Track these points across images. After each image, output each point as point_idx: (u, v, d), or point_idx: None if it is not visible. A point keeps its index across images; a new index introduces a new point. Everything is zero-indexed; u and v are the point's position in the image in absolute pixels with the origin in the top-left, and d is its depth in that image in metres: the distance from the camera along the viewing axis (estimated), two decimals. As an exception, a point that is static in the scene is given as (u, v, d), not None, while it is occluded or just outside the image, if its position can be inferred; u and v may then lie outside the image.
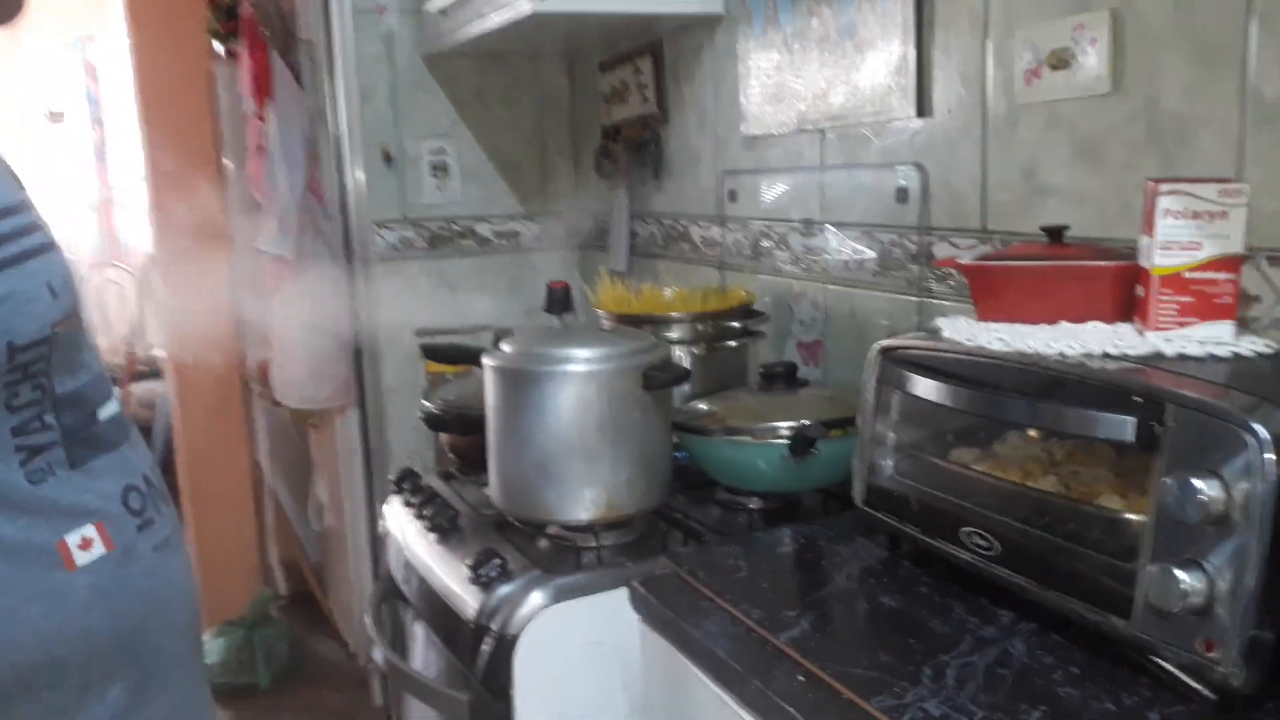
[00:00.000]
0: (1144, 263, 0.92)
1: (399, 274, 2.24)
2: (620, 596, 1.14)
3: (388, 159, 2.22)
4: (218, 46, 3.13)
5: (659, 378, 1.26)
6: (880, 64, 1.45)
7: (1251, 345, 0.88)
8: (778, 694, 0.84)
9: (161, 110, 2.83)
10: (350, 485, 2.43)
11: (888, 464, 1.11)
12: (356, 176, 2.17)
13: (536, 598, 1.16)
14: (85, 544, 0.77)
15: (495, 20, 1.80)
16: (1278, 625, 0.73)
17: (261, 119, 2.34)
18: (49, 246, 0.77)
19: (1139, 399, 0.81)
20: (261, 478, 2.90)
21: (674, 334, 1.57)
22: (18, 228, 0.73)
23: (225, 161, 3.05)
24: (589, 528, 1.27)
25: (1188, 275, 0.89)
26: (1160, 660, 0.81)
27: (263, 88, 2.33)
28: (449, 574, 1.28)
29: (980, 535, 0.95)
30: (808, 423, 1.27)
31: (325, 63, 2.18)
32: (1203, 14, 1.04)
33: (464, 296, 2.28)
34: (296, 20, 2.39)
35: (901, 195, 1.45)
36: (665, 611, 1.01)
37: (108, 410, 0.83)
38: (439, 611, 1.27)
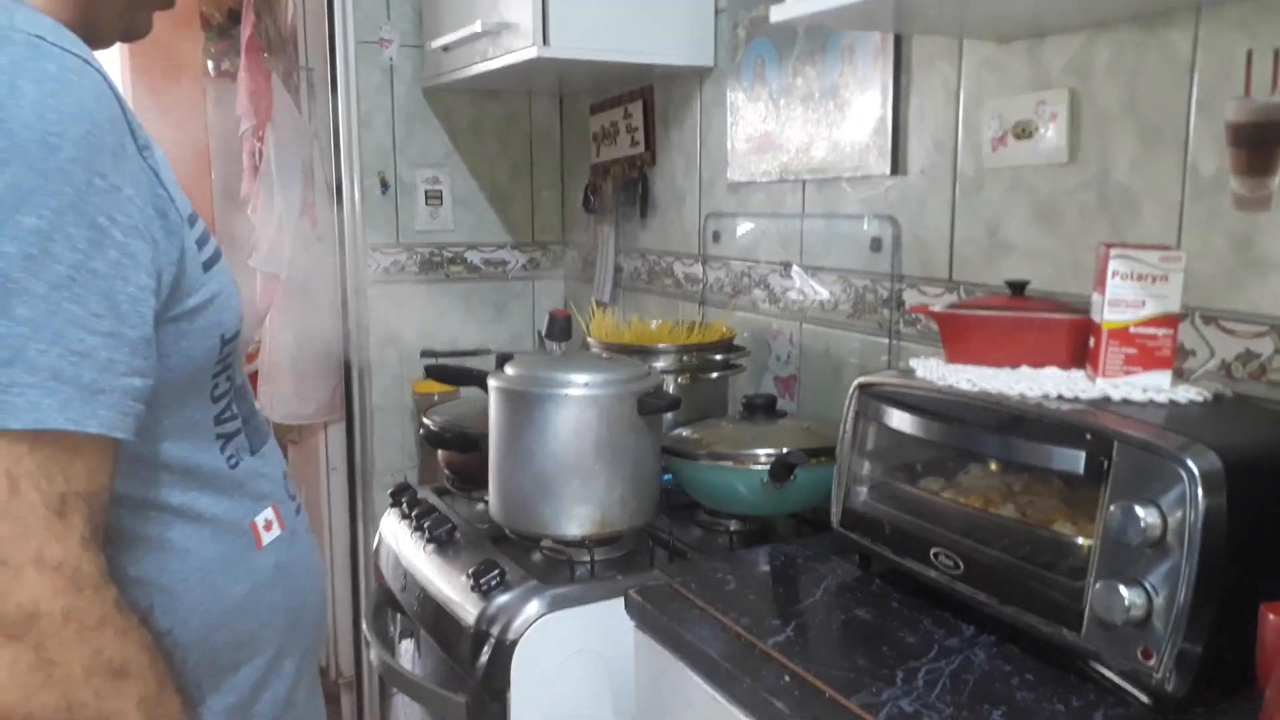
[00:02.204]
0: (1095, 317, 1.04)
1: (390, 296, 2.32)
2: (611, 607, 1.23)
3: (384, 185, 2.30)
4: (209, 65, 3.20)
5: (653, 403, 1.35)
6: (859, 124, 1.58)
7: (1186, 393, 1.00)
8: (766, 692, 0.93)
9: (154, 124, 2.89)
10: (330, 501, 2.48)
11: (862, 490, 1.21)
12: (354, 201, 2.25)
13: (534, 606, 1.25)
14: (268, 525, 0.83)
15: (499, 62, 1.90)
16: (1205, 639, 0.84)
17: (260, 140, 2.41)
18: (221, 250, 0.83)
19: (1089, 436, 0.93)
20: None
21: (660, 364, 1.67)
22: (206, 230, 0.79)
23: (213, 176, 3.11)
24: (582, 542, 1.35)
25: (1133, 330, 1.01)
26: (1104, 669, 0.92)
27: (262, 110, 2.40)
28: (448, 583, 1.35)
29: (947, 555, 1.06)
30: (788, 450, 1.37)
31: (327, 89, 2.26)
32: (1149, 98, 1.17)
33: (452, 320, 2.37)
34: (298, 46, 2.47)
35: (875, 244, 1.57)
36: (660, 617, 1.10)
37: (257, 403, 0.90)
38: (438, 618, 1.34)
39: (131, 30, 0.84)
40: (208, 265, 0.77)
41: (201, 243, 0.77)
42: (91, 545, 0.65)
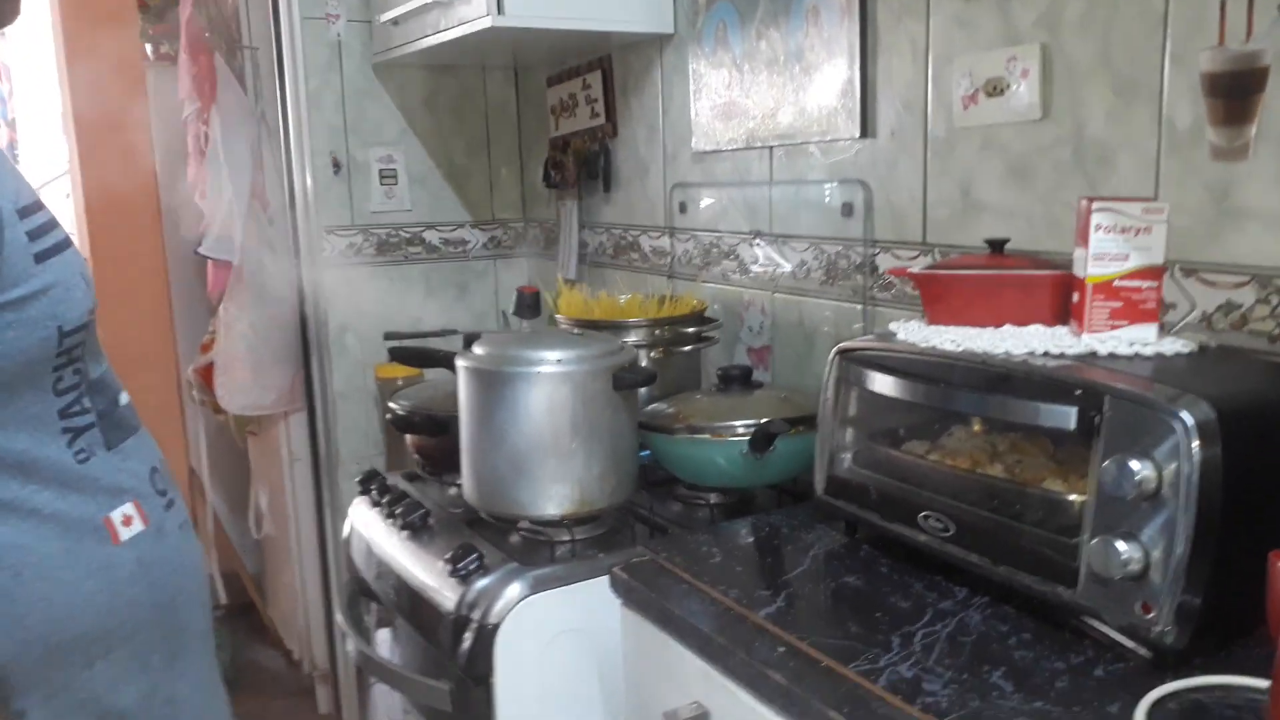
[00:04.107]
0: (1079, 272, 1.02)
1: (347, 280, 2.26)
2: (594, 586, 1.21)
3: (336, 166, 2.23)
4: (148, 48, 3.08)
5: (628, 378, 1.32)
6: (826, 87, 1.55)
7: (1172, 345, 0.99)
8: (761, 663, 0.91)
9: (93, 112, 2.77)
10: (294, 492, 2.42)
11: (846, 457, 1.20)
12: (305, 183, 2.18)
13: (515, 589, 1.22)
14: (127, 520, 0.82)
15: (452, 34, 1.84)
16: (1203, 591, 0.84)
17: (205, 123, 2.32)
18: (69, 241, 0.81)
19: (1079, 392, 0.91)
20: (198, 486, 2.86)
21: (632, 339, 1.64)
22: (48, 222, 0.77)
23: (156, 162, 3.00)
24: (561, 522, 1.32)
25: (1117, 283, 1.00)
26: (1102, 625, 0.91)
27: (206, 92, 2.32)
28: (425, 570, 1.32)
29: (936, 518, 1.04)
30: (769, 420, 1.35)
31: (273, 69, 2.18)
32: (1122, 50, 1.16)
33: (412, 303, 2.31)
34: (240, 25, 2.39)
35: (847, 210, 1.55)
36: (647, 594, 1.08)
37: (124, 397, 0.87)
38: (416, 605, 1.31)
39: None
40: (43, 257, 0.76)
41: (37, 234, 0.76)
42: None
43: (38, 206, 0.78)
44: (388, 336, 1.60)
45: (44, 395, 0.78)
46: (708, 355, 1.77)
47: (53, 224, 0.79)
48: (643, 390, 1.46)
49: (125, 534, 0.82)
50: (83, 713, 0.79)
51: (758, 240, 1.71)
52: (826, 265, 1.60)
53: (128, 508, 0.83)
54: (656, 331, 1.66)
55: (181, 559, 0.88)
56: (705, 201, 1.85)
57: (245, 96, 2.35)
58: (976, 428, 1.10)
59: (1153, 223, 0.99)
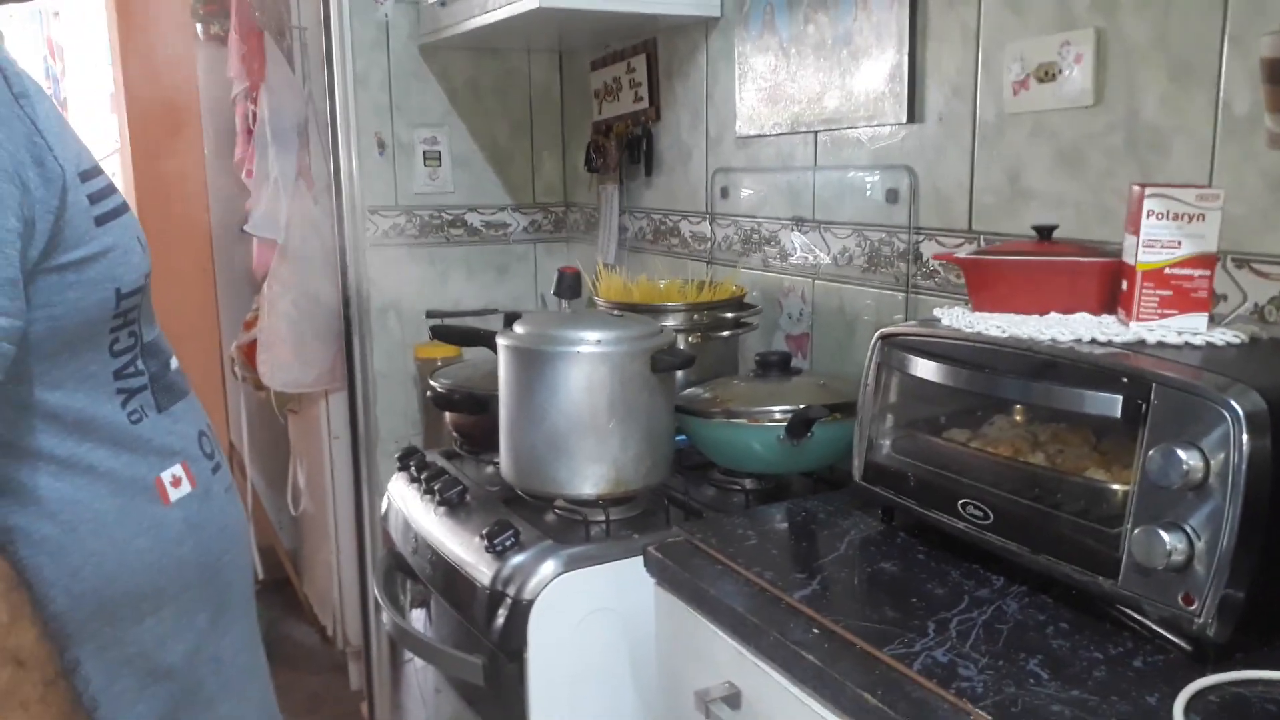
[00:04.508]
0: (1128, 259, 1.00)
1: (389, 260, 2.28)
2: (628, 566, 1.21)
3: (381, 146, 2.25)
4: (198, 28, 3.13)
5: (666, 361, 1.32)
6: (874, 71, 1.53)
7: (1222, 335, 0.97)
8: (795, 644, 0.91)
9: (145, 91, 2.82)
10: (333, 469, 2.45)
11: (885, 443, 1.19)
12: (350, 163, 2.19)
13: (549, 566, 1.22)
14: (176, 481, 0.83)
15: (498, 15, 1.85)
16: (1247, 584, 0.82)
17: (253, 102, 2.35)
18: (126, 206, 0.82)
19: (1126, 380, 0.90)
20: (238, 462, 2.91)
21: (670, 323, 1.63)
22: (107, 186, 0.79)
23: (205, 141, 3.04)
24: (596, 502, 1.33)
25: (1168, 271, 0.98)
26: (1142, 616, 0.90)
27: (255, 71, 2.34)
28: (461, 545, 1.33)
29: (976, 506, 1.03)
30: (807, 405, 1.34)
31: (320, 48, 2.20)
32: (1180, 34, 1.13)
33: (453, 285, 2.33)
34: (290, 5, 2.41)
35: (891, 196, 1.54)
36: (681, 573, 1.08)
37: (174, 361, 0.89)
38: (451, 580, 1.32)
39: None
40: (103, 220, 0.77)
41: (97, 197, 0.77)
42: None
43: (97, 171, 0.79)
44: (430, 314, 1.61)
45: (101, 355, 0.80)
46: (746, 341, 1.77)
47: (111, 189, 0.80)
48: (680, 374, 1.46)
49: (174, 495, 0.84)
50: (131, 667, 0.81)
51: (808, 224, 1.70)
52: (869, 252, 1.59)
53: (177, 469, 0.84)
54: (695, 316, 1.66)
55: (227, 521, 0.89)
56: (747, 188, 1.84)
57: (293, 76, 2.37)
58: (1018, 417, 1.09)
59: (1207, 210, 0.97)
